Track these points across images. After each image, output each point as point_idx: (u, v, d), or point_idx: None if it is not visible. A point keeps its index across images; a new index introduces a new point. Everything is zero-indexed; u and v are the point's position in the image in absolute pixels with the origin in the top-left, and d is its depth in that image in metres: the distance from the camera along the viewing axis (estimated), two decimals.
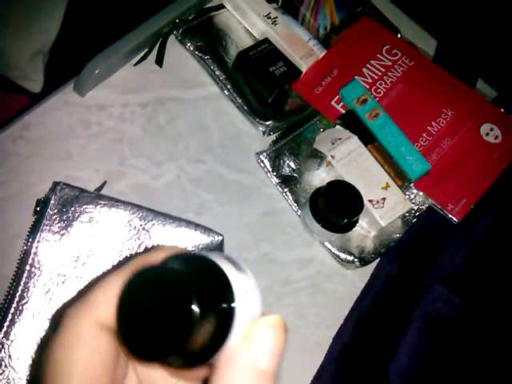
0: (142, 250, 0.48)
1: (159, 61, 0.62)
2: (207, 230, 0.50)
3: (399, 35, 0.70)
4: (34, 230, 0.47)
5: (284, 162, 0.60)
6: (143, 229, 0.49)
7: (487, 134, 0.64)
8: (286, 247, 0.57)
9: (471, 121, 0.64)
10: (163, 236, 0.49)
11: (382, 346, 0.54)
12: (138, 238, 0.49)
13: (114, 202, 0.49)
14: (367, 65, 0.66)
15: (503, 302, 0.54)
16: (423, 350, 0.52)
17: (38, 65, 0.79)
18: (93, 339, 0.22)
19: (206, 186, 0.58)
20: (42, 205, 0.48)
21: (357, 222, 0.57)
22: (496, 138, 0.64)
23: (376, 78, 0.65)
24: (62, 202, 0.48)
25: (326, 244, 0.58)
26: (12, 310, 0.45)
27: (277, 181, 0.60)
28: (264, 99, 0.62)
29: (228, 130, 0.62)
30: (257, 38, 0.65)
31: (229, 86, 0.61)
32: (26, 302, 0.45)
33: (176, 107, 0.61)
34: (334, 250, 0.57)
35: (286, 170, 0.60)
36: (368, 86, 0.64)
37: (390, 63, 0.66)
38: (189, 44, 0.62)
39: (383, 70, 0.66)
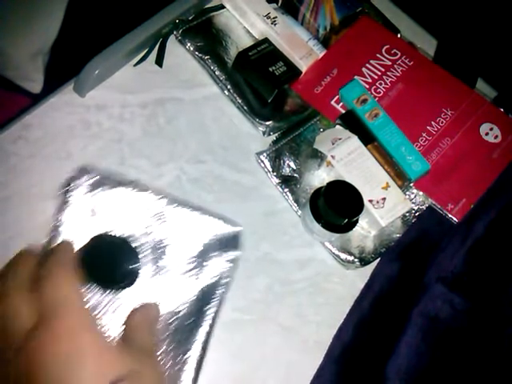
0: (160, 236, 0.50)
1: (159, 61, 0.62)
2: (227, 219, 0.52)
3: (399, 35, 0.70)
4: (63, 207, 0.48)
5: (284, 162, 0.60)
6: (164, 215, 0.50)
7: (487, 134, 0.64)
8: (286, 247, 0.57)
9: (471, 120, 0.64)
10: (182, 224, 0.51)
11: (381, 345, 0.54)
12: (159, 225, 0.50)
13: (137, 188, 0.50)
14: (367, 64, 0.66)
15: (503, 301, 0.54)
16: (422, 350, 0.52)
17: (38, 65, 0.79)
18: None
19: (205, 186, 0.58)
20: (69, 186, 0.49)
21: (357, 222, 0.57)
22: (496, 137, 0.64)
23: (376, 77, 0.65)
24: (89, 186, 0.49)
25: (326, 244, 0.58)
26: None
27: (277, 181, 0.60)
28: (264, 99, 0.62)
29: (228, 130, 0.62)
30: (257, 38, 0.65)
31: (229, 86, 0.62)
32: None
33: (176, 107, 0.61)
34: (334, 250, 0.57)
35: (286, 170, 0.60)
36: (368, 86, 0.64)
37: (390, 63, 0.66)
38: (189, 44, 0.62)
39: (383, 70, 0.66)
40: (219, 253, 0.51)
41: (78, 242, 0.48)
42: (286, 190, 0.59)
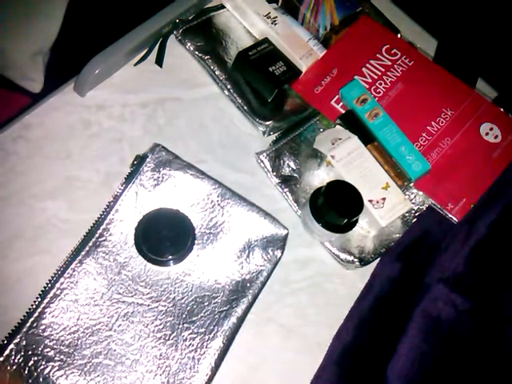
0: (212, 223, 0.52)
1: (159, 61, 0.62)
2: (275, 220, 0.54)
3: (399, 35, 0.70)
4: (128, 180, 0.51)
5: (284, 162, 0.60)
6: (218, 205, 0.52)
7: (487, 134, 0.64)
8: (286, 247, 0.57)
9: (471, 120, 0.64)
10: (234, 216, 0.52)
11: (382, 346, 0.54)
12: (212, 212, 0.52)
13: (200, 174, 0.53)
14: (367, 64, 0.66)
15: (504, 301, 0.54)
16: (424, 350, 0.52)
17: (38, 65, 0.79)
18: None
19: None
20: (140, 160, 0.52)
21: (357, 221, 0.57)
22: (496, 137, 0.64)
23: (376, 77, 0.65)
24: (157, 163, 0.52)
25: (326, 244, 0.58)
26: (88, 246, 0.48)
27: (277, 181, 0.60)
28: (264, 99, 0.62)
29: (228, 130, 0.62)
30: (257, 37, 0.65)
31: (229, 86, 0.61)
32: (105, 240, 0.49)
33: (176, 107, 0.61)
34: (334, 250, 0.57)
35: (286, 170, 0.60)
36: (368, 86, 0.64)
37: (390, 63, 0.66)
38: (189, 44, 0.62)
39: (383, 70, 0.66)
40: (264, 252, 0.52)
41: (137, 214, 0.51)
42: (285, 189, 0.59)
